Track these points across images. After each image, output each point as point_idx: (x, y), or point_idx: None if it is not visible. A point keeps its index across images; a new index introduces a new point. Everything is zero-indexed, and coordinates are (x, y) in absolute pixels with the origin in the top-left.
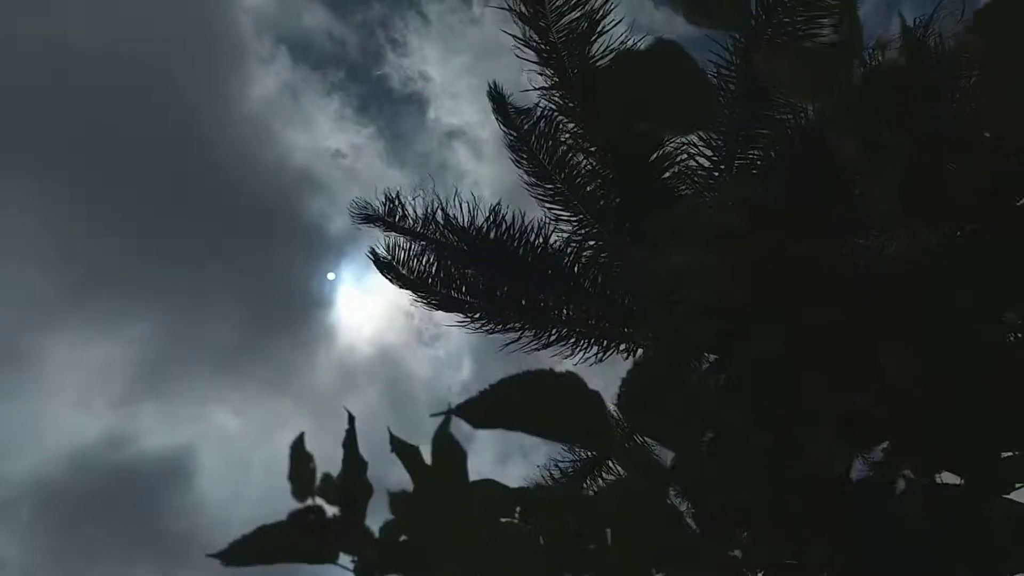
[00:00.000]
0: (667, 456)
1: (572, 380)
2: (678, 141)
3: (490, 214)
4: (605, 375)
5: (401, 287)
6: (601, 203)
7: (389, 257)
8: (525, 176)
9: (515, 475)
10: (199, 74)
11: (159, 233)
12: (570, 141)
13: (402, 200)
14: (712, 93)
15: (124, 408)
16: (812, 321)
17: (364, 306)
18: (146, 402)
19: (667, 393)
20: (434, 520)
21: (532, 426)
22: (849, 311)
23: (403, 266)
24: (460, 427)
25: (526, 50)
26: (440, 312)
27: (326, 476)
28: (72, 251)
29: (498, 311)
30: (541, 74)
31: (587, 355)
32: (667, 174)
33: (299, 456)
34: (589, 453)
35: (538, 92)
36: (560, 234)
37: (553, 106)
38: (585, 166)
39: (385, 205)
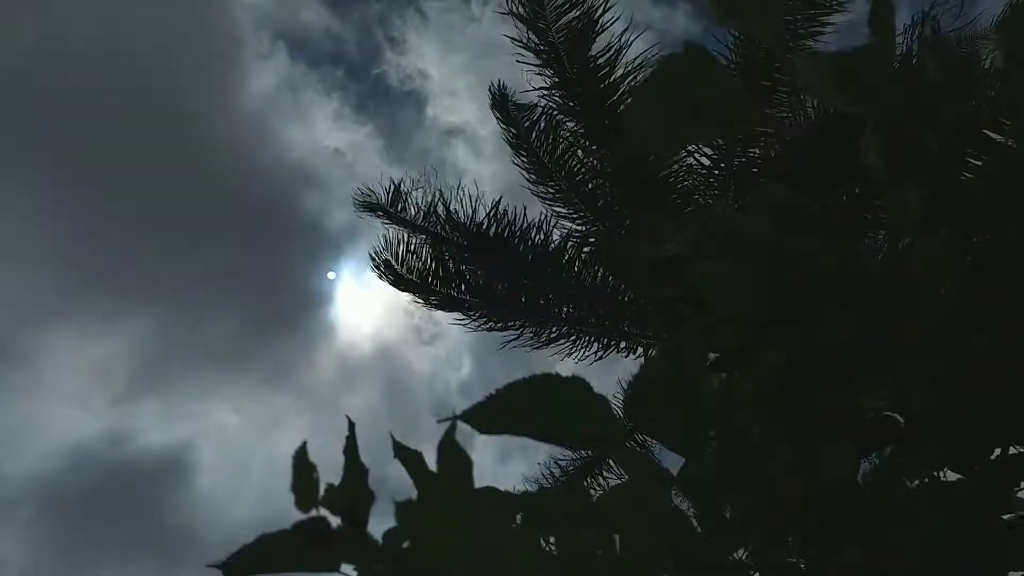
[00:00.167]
0: (668, 457)
1: (578, 384)
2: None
3: (492, 208)
4: (606, 373)
5: (401, 289)
6: (601, 201)
7: (389, 258)
8: (525, 174)
9: (516, 473)
10: (197, 71)
11: (157, 231)
12: (570, 139)
13: (405, 189)
14: (743, 98)
15: (123, 406)
16: (835, 326)
17: (363, 303)
18: (145, 400)
19: (676, 396)
20: (439, 528)
21: (538, 431)
22: (870, 315)
23: (402, 265)
24: (462, 426)
25: (525, 52)
26: (440, 311)
27: (330, 487)
28: (71, 249)
29: (498, 309)
30: (540, 74)
31: (587, 353)
32: (668, 174)
33: (302, 466)
34: (590, 452)
35: (538, 89)
36: (560, 231)
37: (553, 105)
38: (585, 164)
39: (389, 192)
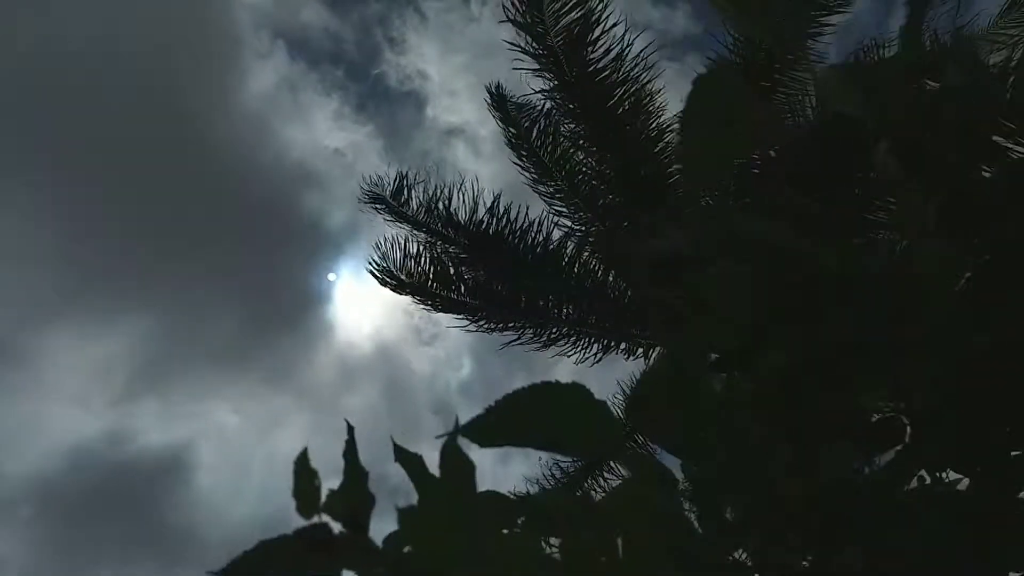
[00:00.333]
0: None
1: (578, 391)
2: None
3: (492, 203)
4: (607, 375)
5: (401, 293)
6: (601, 201)
7: (389, 266)
8: (526, 173)
9: (516, 474)
10: (197, 71)
11: (157, 231)
12: (570, 139)
13: (408, 182)
14: (778, 116)
15: (123, 406)
16: (835, 327)
17: (363, 303)
18: (145, 400)
19: (676, 397)
20: (441, 533)
21: (540, 442)
22: (870, 316)
23: (402, 271)
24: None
25: (524, 56)
26: (441, 313)
27: (331, 493)
28: (70, 249)
29: (498, 311)
30: (540, 76)
31: (587, 354)
32: (668, 174)
33: (304, 472)
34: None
35: (537, 92)
36: (560, 230)
37: (553, 106)
38: (586, 164)
39: (394, 182)
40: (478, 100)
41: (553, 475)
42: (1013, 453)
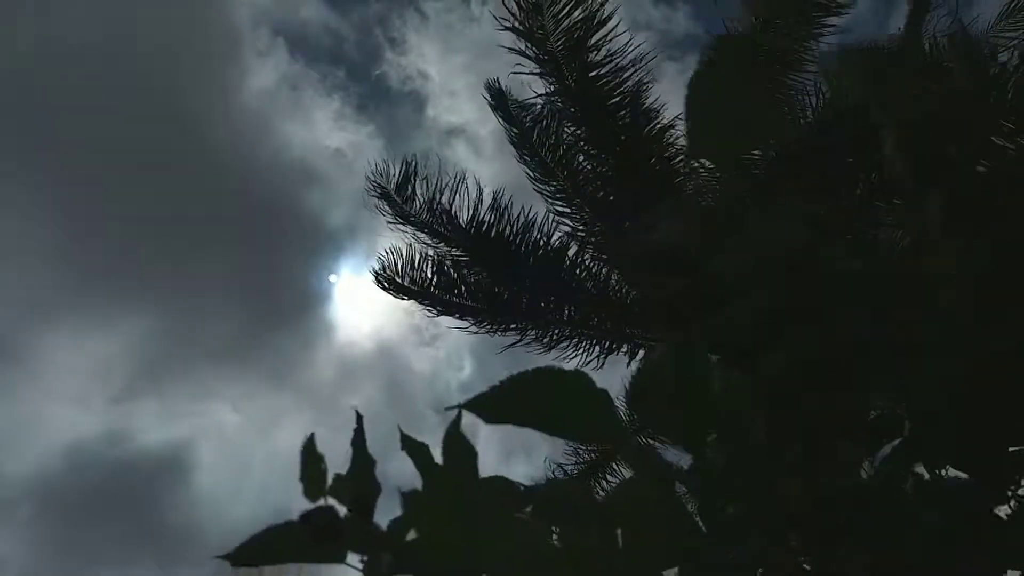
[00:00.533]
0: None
1: (580, 377)
2: (682, 141)
3: (493, 202)
4: (609, 377)
5: (404, 298)
6: (604, 202)
7: (392, 274)
8: (528, 172)
9: (518, 473)
10: (197, 70)
11: (157, 230)
12: (571, 140)
13: (415, 170)
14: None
15: (123, 405)
16: (840, 325)
17: (364, 302)
18: (145, 398)
19: (678, 390)
20: (445, 517)
21: (541, 422)
22: (875, 315)
23: (404, 277)
24: (465, 423)
25: (525, 60)
26: (443, 316)
27: (338, 476)
28: (70, 248)
29: (499, 313)
30: (540, 77)
31: (589, 357)
32: (671, 175)
33: (310, 457)
34: (593, 455)
35: (539, 95)
36: (562, 232)
37: (555, 108)
38: (587, 165)
39: (400, 171)
40: (478, 100)
41: (555, 475)
42: (1010, 449)
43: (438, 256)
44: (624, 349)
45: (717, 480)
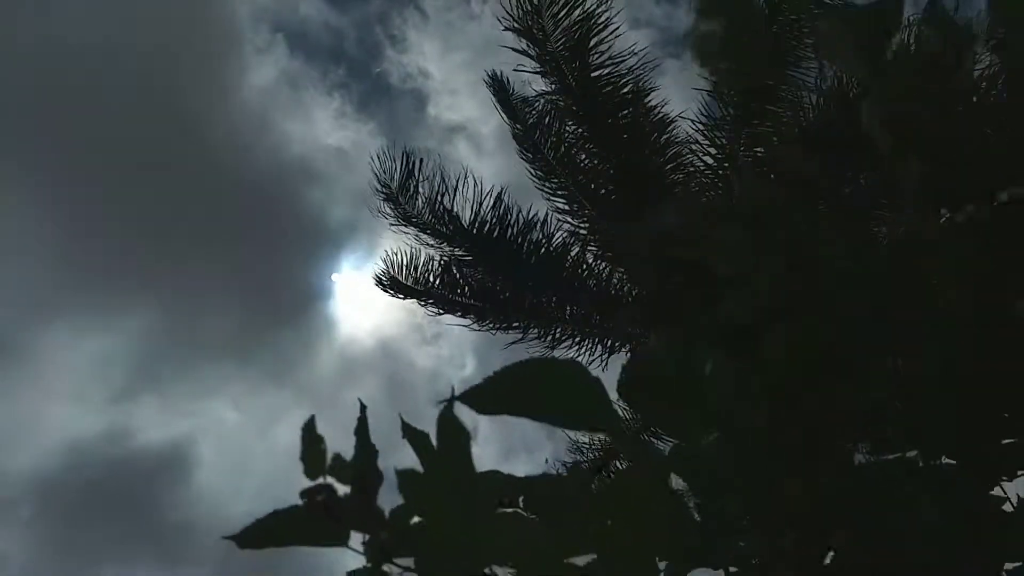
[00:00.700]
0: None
1: (572, 366)
2: (683, 139)
3: (496, 201)
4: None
5: (403, 297)
6: (605, 200)
7: (395, 275)
8: (530, 170)
9: (519, 472)
10: (197, 67)
11: (156, 227)
12: (572, 138)
13: (418, 169)
14: None
15: (123, 402)
16: (838, 312)
17: (365, 299)
18: (145, 396)
19: (671, 381)
20: (441, 499)
21: (535, 411)
22: (872, 301)
23: (406, 277)
24: (465, 423)
25: (526, 60)
26: (446, 315)
27: (337, 456)
28: (70, 245)
29: (502, 311)
30: (542, 77)
31: (592, 356)
32: (671, 172)
33: (310, 437)
34: (596, 454)
35: (540, 94)
36: (564, 230)
37: (556, 107)
38: (588, 162)
39: (403, 168)
40: (479, 98)
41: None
42: (1004, 441)
43: (441, 256)
44: (626, 348)
45: (718, 480)
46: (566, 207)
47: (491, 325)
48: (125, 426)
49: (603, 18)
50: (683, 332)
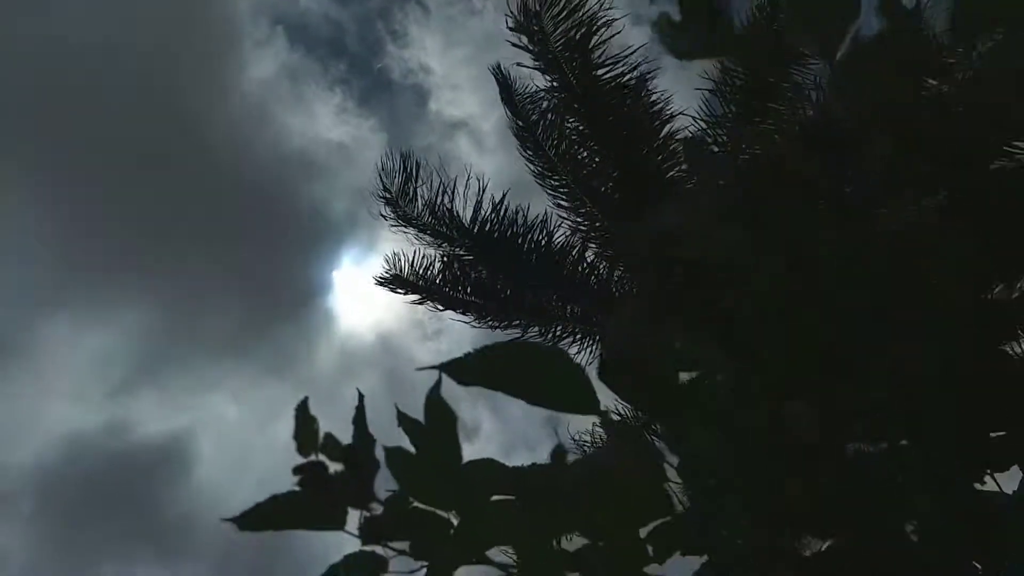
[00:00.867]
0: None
1: (556, 351)
2: (684, 136)
3: (499, 203)
4: None
5: (407, 294)
6: (606, 198)
7: (397, 273)
8: (531, 167)
9: None
10: (197, 63)
11: (157, 222)
12: (573, 136)
13: (417, 171)
14: None
15: (122, 397)
16: (841, 308)
17: (365, 295)
18: (145, 390)
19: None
20: (428, 476)
21: (516, 388)
22: (871, 298)
23: (408, 276)
24: (464, 423)
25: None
26: (447, 312)
27: (329, 435)
28: (70, 239)
29: (503, 309)
30: (543, 74)
31: (593, 355)
32: (670, 170)
33: (304, 417)
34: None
35: (542, 91)
36: (565, 228)
37: (558, 104)
38: (590, 160)
39: (401, 170)
40: (481, 94)
41: None
42: (993, 434)
43: (442, 255)
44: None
45: (719, 481)
46: (567, 204)
47: (492, 322)
48: (125, 420)
49: (604, 17)
50: (644, 307)
